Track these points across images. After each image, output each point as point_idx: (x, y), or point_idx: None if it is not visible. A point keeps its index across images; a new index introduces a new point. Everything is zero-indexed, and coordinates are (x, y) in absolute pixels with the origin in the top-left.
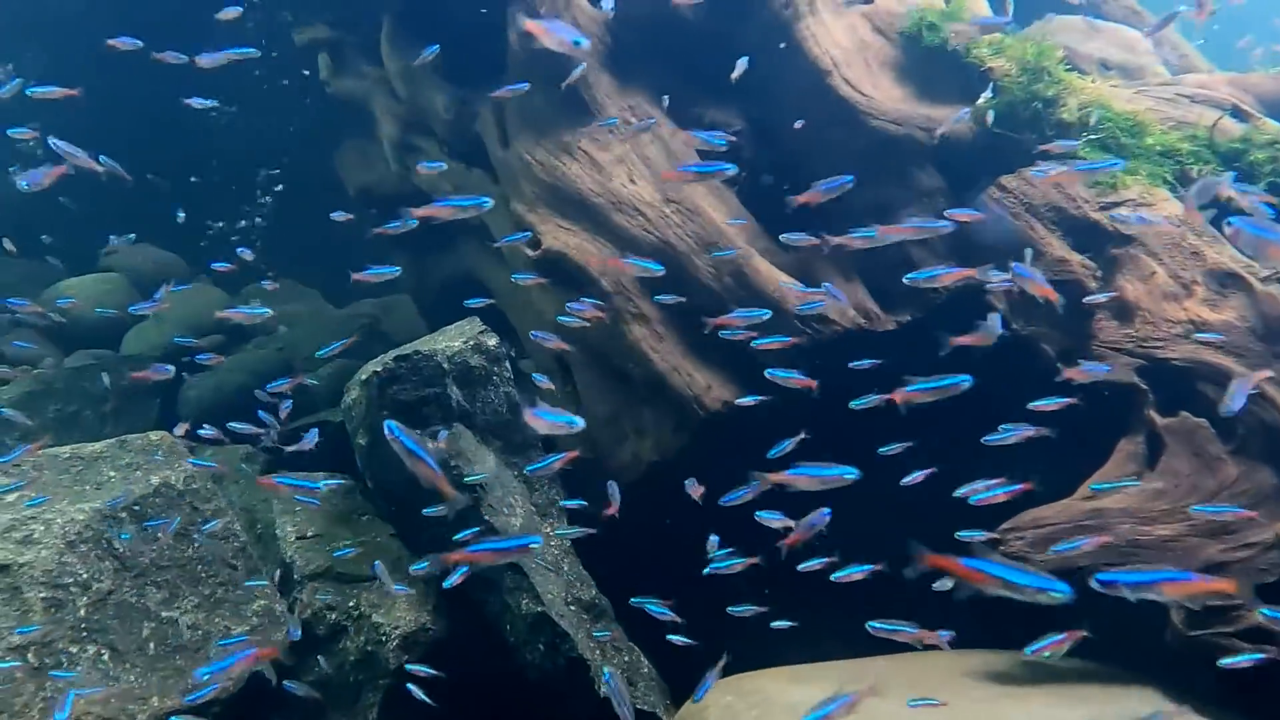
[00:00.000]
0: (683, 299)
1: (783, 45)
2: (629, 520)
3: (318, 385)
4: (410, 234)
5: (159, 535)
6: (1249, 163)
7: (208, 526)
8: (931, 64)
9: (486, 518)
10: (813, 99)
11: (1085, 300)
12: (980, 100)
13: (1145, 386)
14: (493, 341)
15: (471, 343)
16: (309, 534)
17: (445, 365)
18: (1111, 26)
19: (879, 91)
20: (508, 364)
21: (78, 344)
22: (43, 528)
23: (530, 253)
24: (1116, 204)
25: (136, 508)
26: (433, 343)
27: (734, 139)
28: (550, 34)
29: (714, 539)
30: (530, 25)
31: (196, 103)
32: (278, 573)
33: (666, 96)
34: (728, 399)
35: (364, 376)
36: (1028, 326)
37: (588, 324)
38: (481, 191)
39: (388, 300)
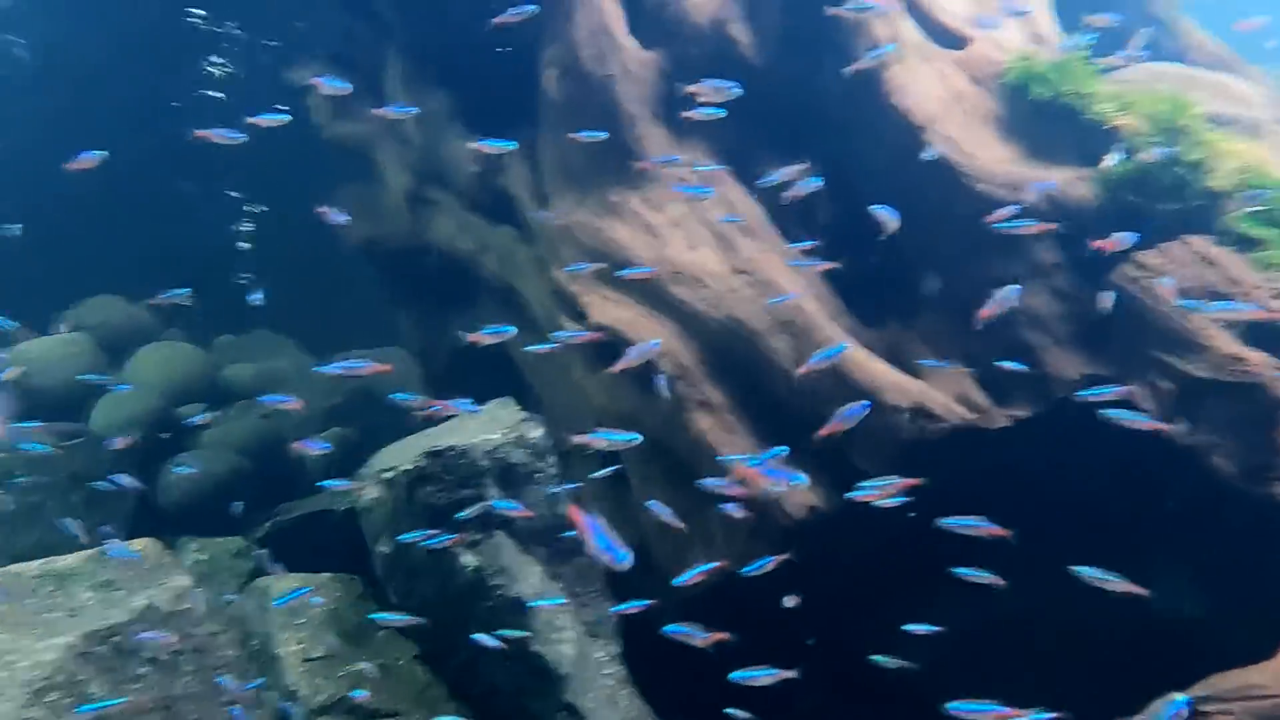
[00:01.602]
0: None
1: (868, 95)
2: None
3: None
4: (421, 287)
5: (142, 672)
6: None
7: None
8: (1041, 120)
9: (535, 648)
10: (904, 158)
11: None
12: (1106, 162)
13: None
14: (536, 433)
15: (513, 435)
16: (317, 655)
17: (484, 463)
18: (1215, 77)
19: (982, 151)
20: (551, 458)
21: (37, 418)
22: (4, 674)
23: (574, 327)
24: None
25: (117, 638)
26: (466, 433)
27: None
28: None
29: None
30: None
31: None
32: (279, 702)
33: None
34: (815, 504)
35: (387, 474)
36: (1194, 435)
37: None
38: (511, 252)
39: (381, 354)
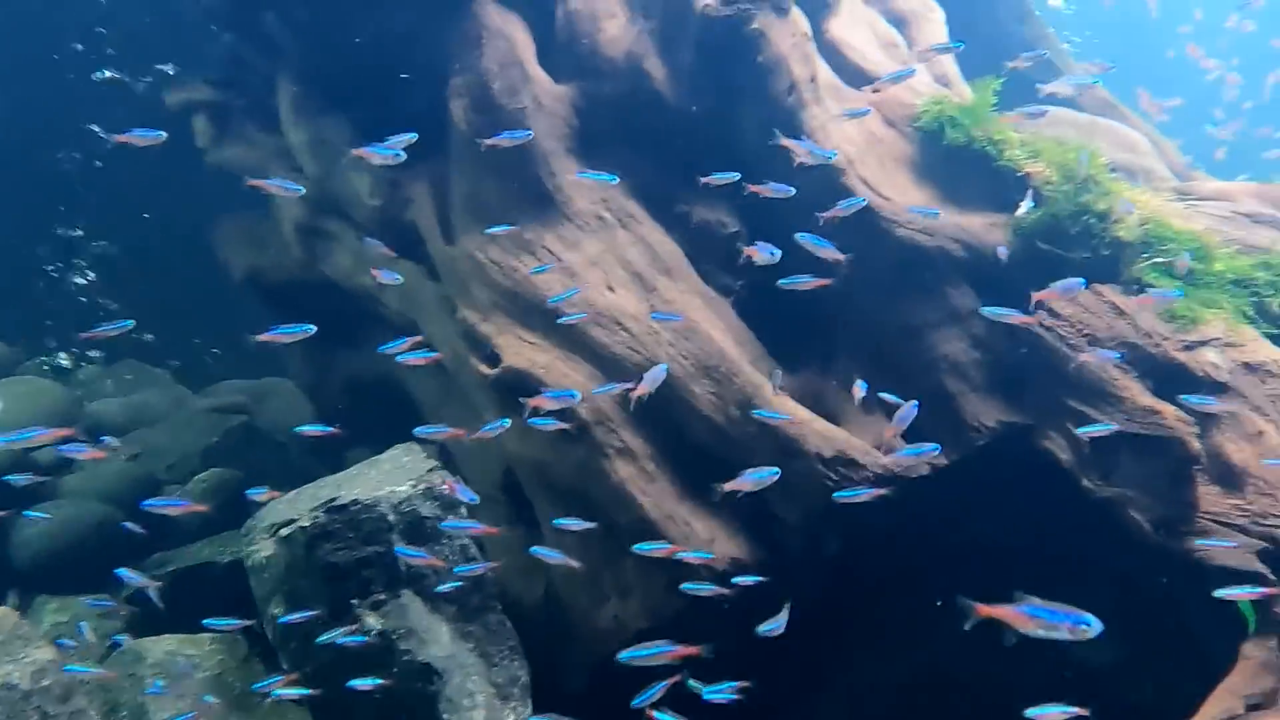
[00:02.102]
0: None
1: (787, 135)
2: (611, 701)
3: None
4: (313, 321)
5: None
6: None
7: None
8: (955, 164)
9: (445, 715)
10: (824, 199)
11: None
12: (1020, 210)
13: (1273, 576)
14: (448, 486)
15: (422, 486)
16: None
17: (391, 517)
18: (1108, 123)
19: (899, 195)
20: (464, 509)
21: None
22: None
23: (485, 370)
24: (1200, 343)
25: None
26: (369, 484)
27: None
28: None
29: None
30: None
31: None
32: None
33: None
34: (735, 555)
35: (283, 530)
36: (1108, 486)
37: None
38: (415, 289)
39: (262, 385)
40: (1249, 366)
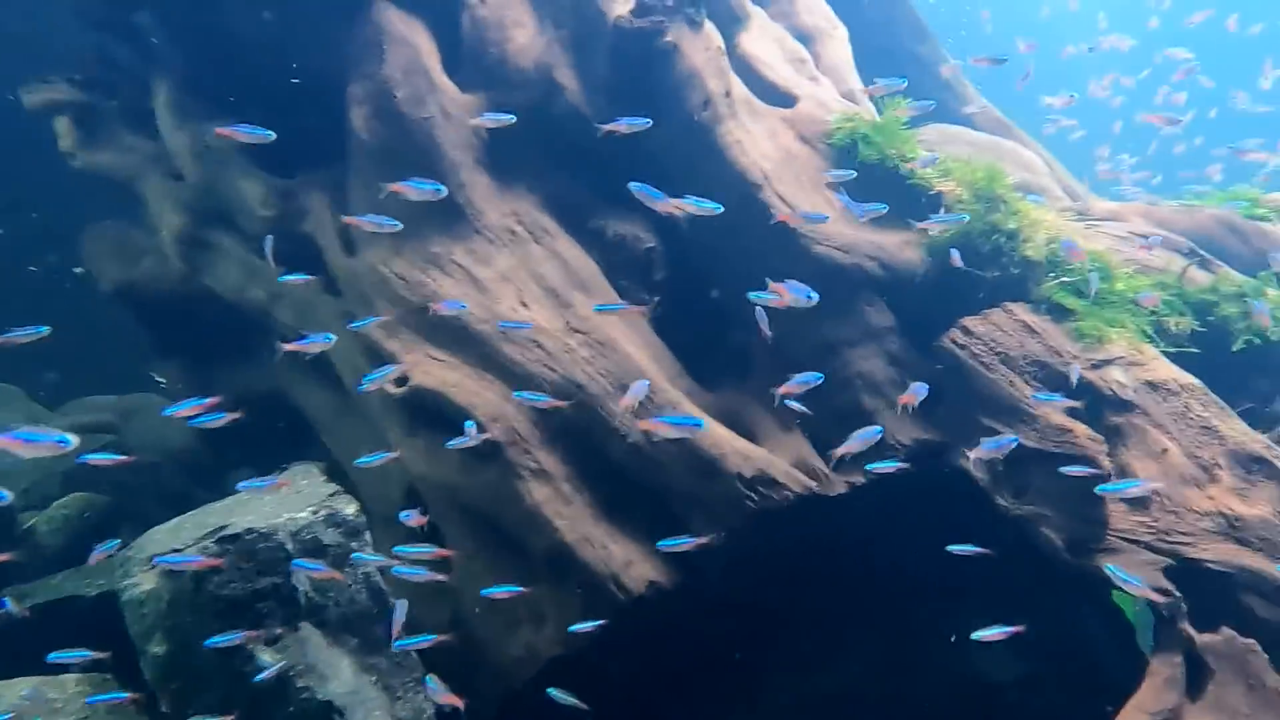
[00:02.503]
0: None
1: (703, 150)
2: None
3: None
4: (194, 337)
5: None
6: (1220, 316)
7: None
8: (869, 182)
9: None
10: (741, 217)
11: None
12: (932, 228)
13: (1178, 594)
14: (350, 509)
15: (323, 512)
16: None
17: (290, 546)
18: (1009, 144)
19: (815, 211)
20: (366, 536)
21: None
22: None
23: (393, 389)
24: (1106, 361)
25: None
26: (263, 510)
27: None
28: None
29: None
30: None
31: None
32: None
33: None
34: (654, 578)
35: (168, 562)
36: (1022, 505)
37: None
38: (311, 304)
39: (128, 401)
40: (1152, 385)
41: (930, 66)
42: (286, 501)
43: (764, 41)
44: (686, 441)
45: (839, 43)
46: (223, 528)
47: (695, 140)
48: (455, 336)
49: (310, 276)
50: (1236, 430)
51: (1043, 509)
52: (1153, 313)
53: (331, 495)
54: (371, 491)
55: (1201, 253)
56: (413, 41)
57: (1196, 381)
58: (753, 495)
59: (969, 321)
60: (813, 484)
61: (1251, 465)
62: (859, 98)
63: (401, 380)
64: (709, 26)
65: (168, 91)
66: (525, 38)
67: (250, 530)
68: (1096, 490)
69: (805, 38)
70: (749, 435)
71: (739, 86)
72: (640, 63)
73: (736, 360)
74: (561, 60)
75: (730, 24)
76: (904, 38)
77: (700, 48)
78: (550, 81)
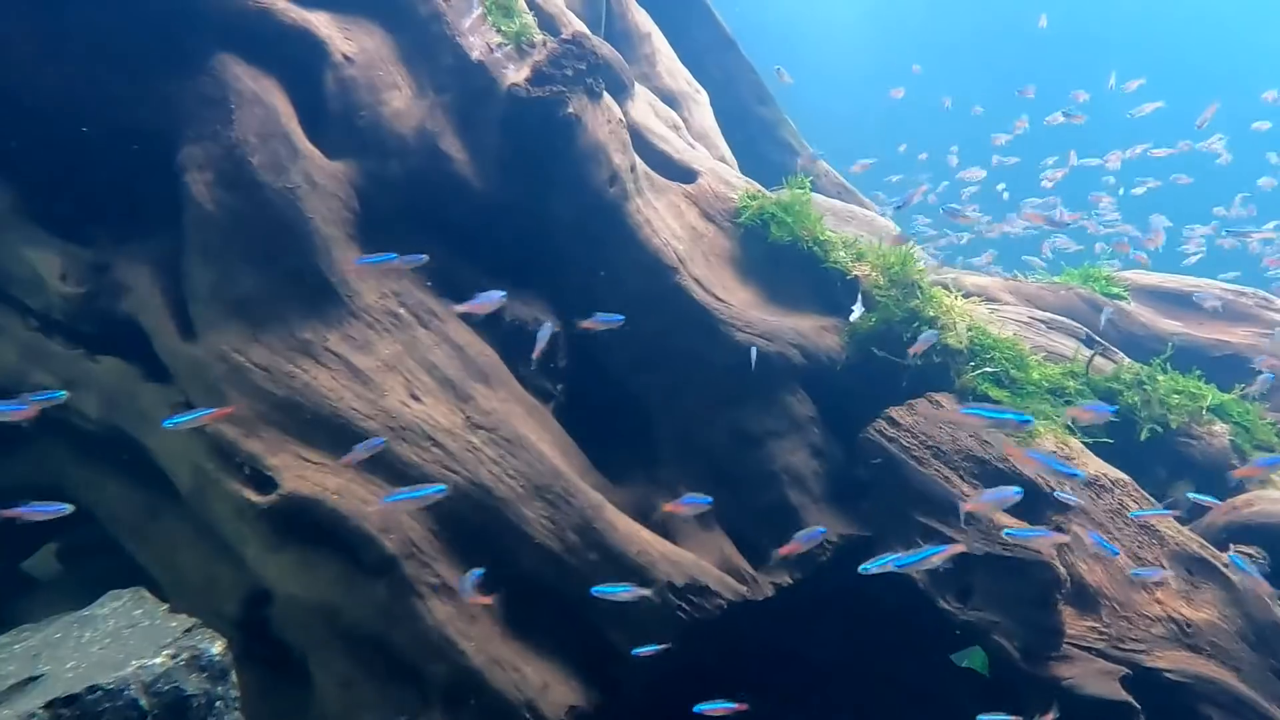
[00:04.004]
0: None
1: (609, 229)
2: None
3: None
4: None
5: None
6: (1126, 404)
7: None
8: (779, 264)
9: None
10: (651, 300)
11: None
12: (854, 315)
13: (1138, 705)
14: (217, 647)
15: (184, 656)
16: None
17: (144, 702)
18: (864, 211)
19: (730, 295)
20: (233, 677)
21: None
22: None
23: (253, 496)
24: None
25: None
26: (95, 656)
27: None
28: None
29: None
30: None
31: None
32: None
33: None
34: (574, 703)
35: None
36: (968, 610)
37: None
38: (129, 394)
39: None
40: (1085, 481)
41: (772, 128)
42: (127, 643)
43: (646, 110)
44: (608, 547)
45: (704, 107)
46: (63, 691)
47: (601, 219)
48: (334, 435)
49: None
50: (1174, 529)
51: (991, 615)
52: (1068, 401)
53: (188, 631)
54: (196, 606)
55: (1097, 338)
56: (267, 101)
57: (1125, 476)
58: (684, 605)
59: (895, 413)
60: (743, 589)
61: (1193, 565)
62: (731, 165)
63: (265, 485)
64: (607, 98)
65: None
66: (402, 102)
67: (94, 688)
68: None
69: (671, 102)
70: (664, 533)
71: (639, 161)
72: (538, 134)
73: (643, 450)
74: (446, 127)
75: (617, 92)
76: (746, 98)
77: (602, 120)
78: (434, 150)
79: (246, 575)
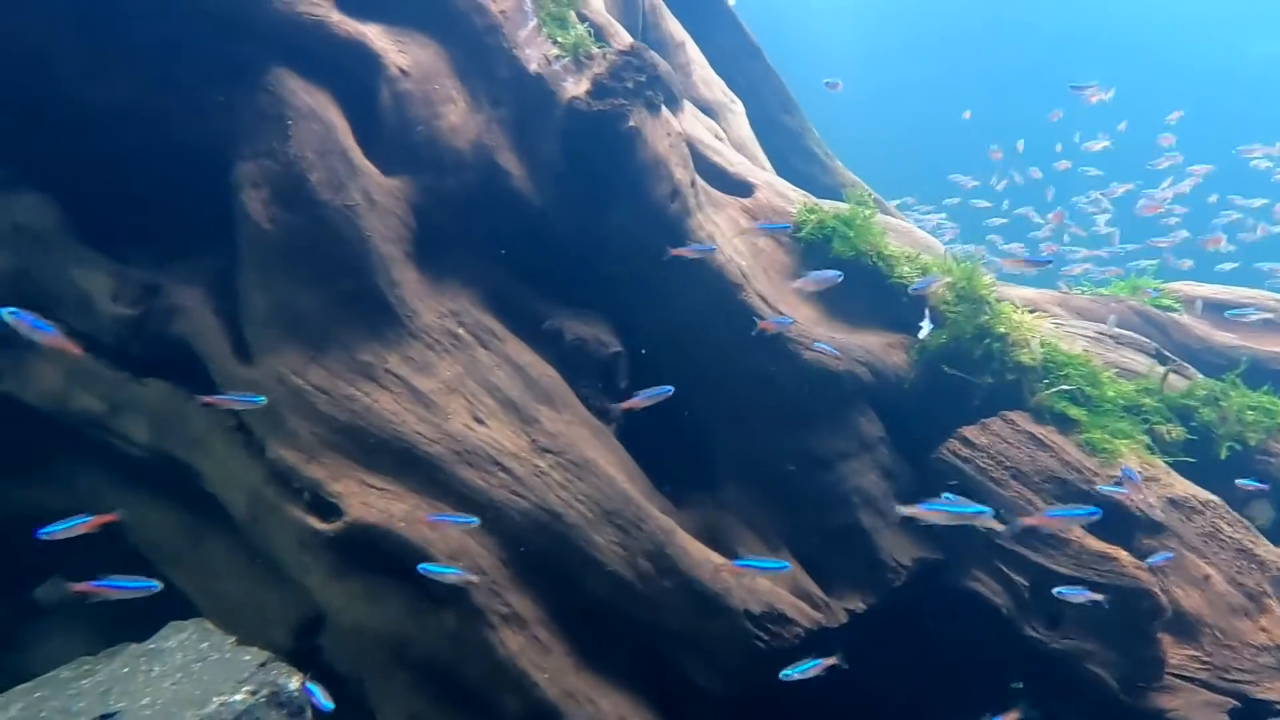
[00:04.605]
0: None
1: (670, 245)
2: None
3: None
4: None
5: None
6: (1203, 421)
7: None
8: (843, 279)
9: None
10: (714, 318)
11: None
12: (922, 332)
13: None
14: (294, 683)
15: (264, 692)
16: None
17: None
18: (898, 223)
19: (791, 311)
20: (309, 712)
21: None
22: None
23: (317, 524)
24: (1125, 479)
25: None
26: (170, 691)
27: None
28: None
29: None
30: None
31: None
32: None
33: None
34: None
35: None
36: (1059, 638)
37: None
38: (179, 417)
39: None
40: (1173, 503)
41: (798, 137)
42: (200, 677)
43: (694, 122)
44: (682, 574)
45: (740, 118)
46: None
47: (663, 234)
48: (398, 460)
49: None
50: (1273, 553)
51: (1085, 643)
52: (1145, 420)
53: (263, 665)
54: (241, 635)
55: (1167, 354)
56: (323, 116)
57: (1214, 497)
58: (762, 634)
59: (969, 432)
60: (819, 616)
61: None
62: (766, 168)
63: (328, 512)
64: (665, 110)
65: None
66: (458, 116)
67: None
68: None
69: (708, 113)
70: (731, 557)
71: (697, 175)
72: (597, 148)
73: (703, 472)
74: (503, 142)
75: (669, 104)
76: (772, 107)
77: (662, 133)
78: (491, 164)
79: (297, 603)
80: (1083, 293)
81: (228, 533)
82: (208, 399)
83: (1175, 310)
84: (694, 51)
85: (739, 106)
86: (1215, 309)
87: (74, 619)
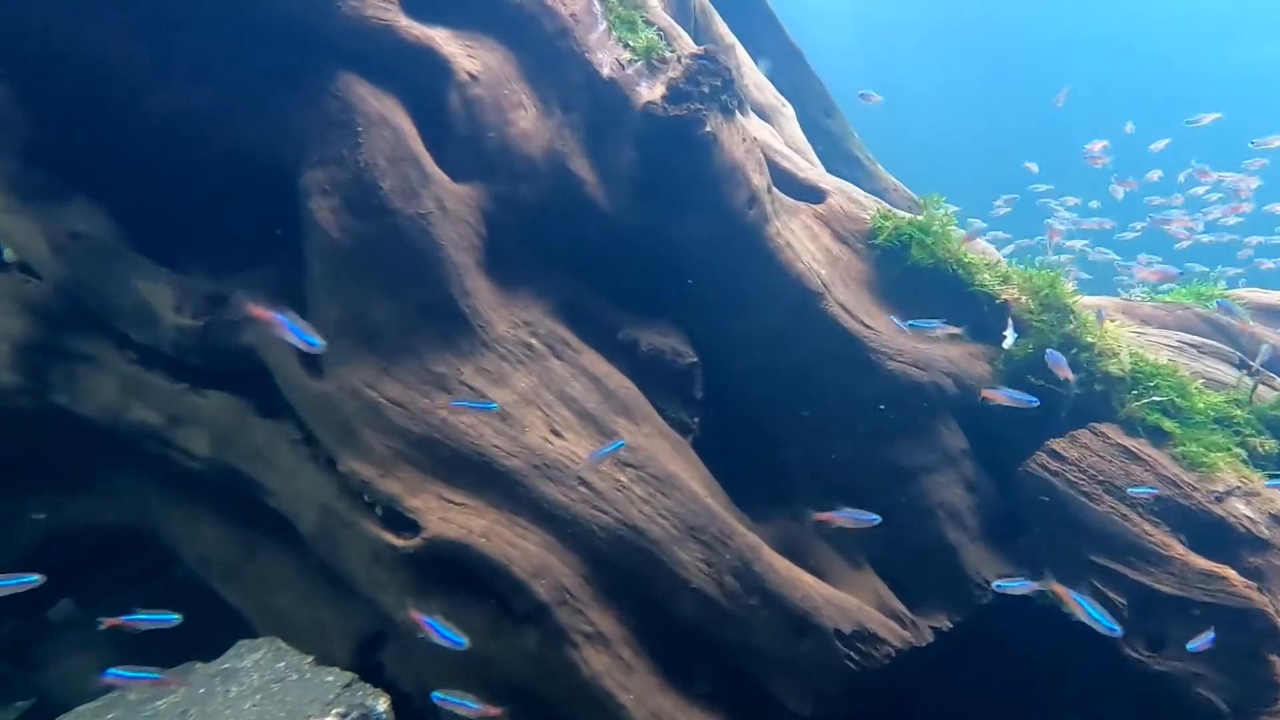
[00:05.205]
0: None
1: (747, 253)
2: None
3: None
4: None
5: None
6: None
7: None
8: (918, 288)
9: None
10: (793, 327)
11: None
12: (1006, 342)
13: None
14: (381, 705)
15: (354, 714)
16: None
17: None
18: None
19: (875, 321)
20: None
21: None
22: None
23: (395, 540)
24: (1226, 493)
25: None
26: (265, 714)
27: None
28: None
29: None
30: None
31: None
32: None
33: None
34: None
35: None
36: (1165, 660)
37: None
38: (242, 430)
39: None
40: (1276, 519)
41: (839, 141)
42: (283, 700)
43: (759, 127)
44: (770, 592)
45: (792, 121)
46: None
47: (739, 243)
48: (476, 474)
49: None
50: None
51: (1193, 666)
52: (1236, 432)
53: (347, 686)
54: (304, 651)
55: (1251, 363)
56: (394, 123)
57: None
58: (852, 655)
59: (1058, 445)
60: (909, 635)
61: None
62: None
63: (403, 525)
64: (739, 115)
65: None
66: (529, 122)
67: None
68: None
69: (762, 117)
70: (814, 573)
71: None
72: (673, 155)
73: (779, 484)
74: (575, 148)
75: (740, 109)
76: (813, 111)
77: (738, 139)
78: (563, 171)
79: (357, 619)
80: (1147, 300)
81: (285, 547)
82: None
83: (1244, 318)
84: (744, 55)
85: (790, 110)
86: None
87: (89, 636)
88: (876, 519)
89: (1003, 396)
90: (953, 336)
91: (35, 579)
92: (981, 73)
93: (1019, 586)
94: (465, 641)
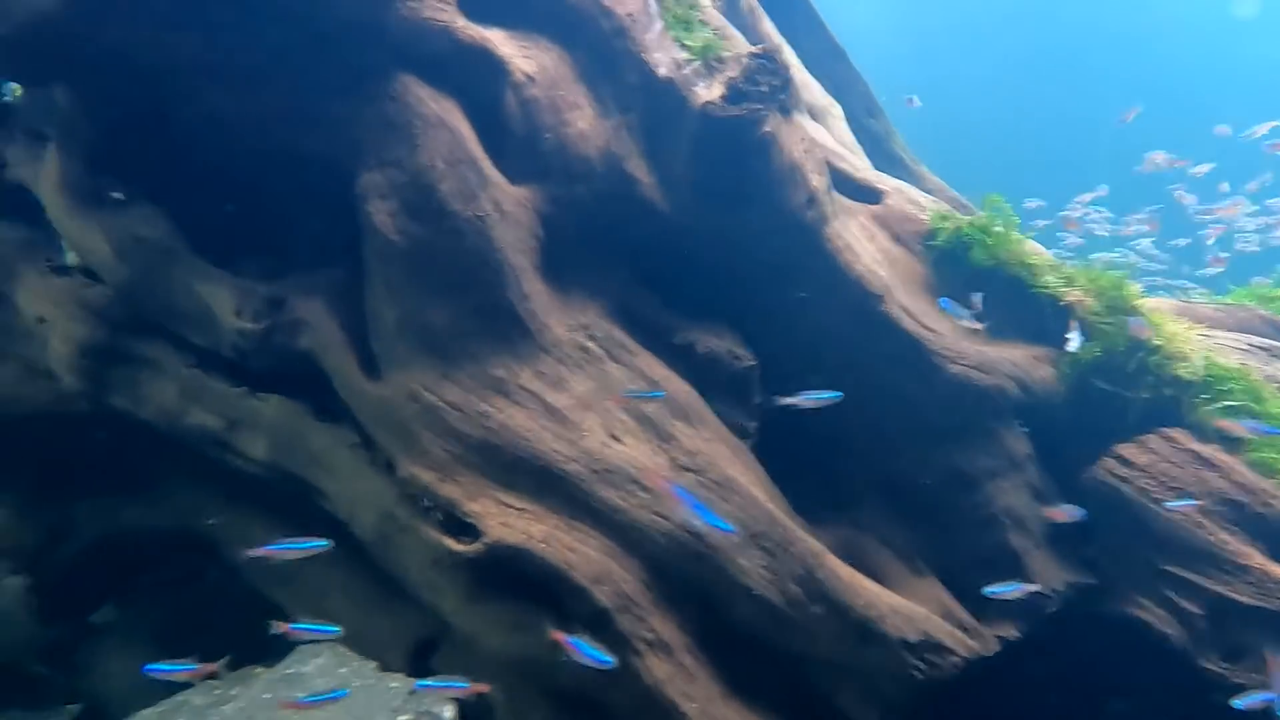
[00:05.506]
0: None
1: (806, 255)
2: None
3: None
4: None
5: None
6: None
7: None
8: (978, 289)
9: None
10: (853, 330)
11: None
12: (1073, 344)
13: None
14: (448, 713)
15: None
16: None
17: None
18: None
19: (936, 324)
20: None
21: None
22: None
23: (454, 545)
24: None
25: None
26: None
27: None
28: None
29: None
30: None
31: None
32: None
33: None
34: None
35: None
36: (1243, 672)
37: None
38: (299, 434)
39: None
40: None
41: (882, 141)
42: (346, 704)
43: (815, 126)
44: (834, 600)
45: (840, 121)
46: None
47: (798, 244)
48: (536, 479)
49: None
50: None
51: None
52: None
53: (413, 692)
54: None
55: None
56: (452, 125)
57: None
58: (920, 664)
59: (1127, 450)
60: (975, 645)
61: None
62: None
63: (463, 530)
64: (797, 115)
65: (61, 167)
66: (585, 122)
67: None
68: None
69: (811, 116)
70: (875, 580)
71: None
72: (731, 155)
73: (838, 490)
74: (632, 149)
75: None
76: (856, 111)
77: (796, 139)
78: (620, 172)
79: (412, 624)
80: (1206, 302)
81: (339, 551)
82: None
83: None
84: (791, 55)
85: (838, 109)
86: None
87: (131, 639)
88: (838, 395)
89: None
90: (974, 331)
91: (326, 543)
92: (1021, 64)
93: None
94: (614, 661)
